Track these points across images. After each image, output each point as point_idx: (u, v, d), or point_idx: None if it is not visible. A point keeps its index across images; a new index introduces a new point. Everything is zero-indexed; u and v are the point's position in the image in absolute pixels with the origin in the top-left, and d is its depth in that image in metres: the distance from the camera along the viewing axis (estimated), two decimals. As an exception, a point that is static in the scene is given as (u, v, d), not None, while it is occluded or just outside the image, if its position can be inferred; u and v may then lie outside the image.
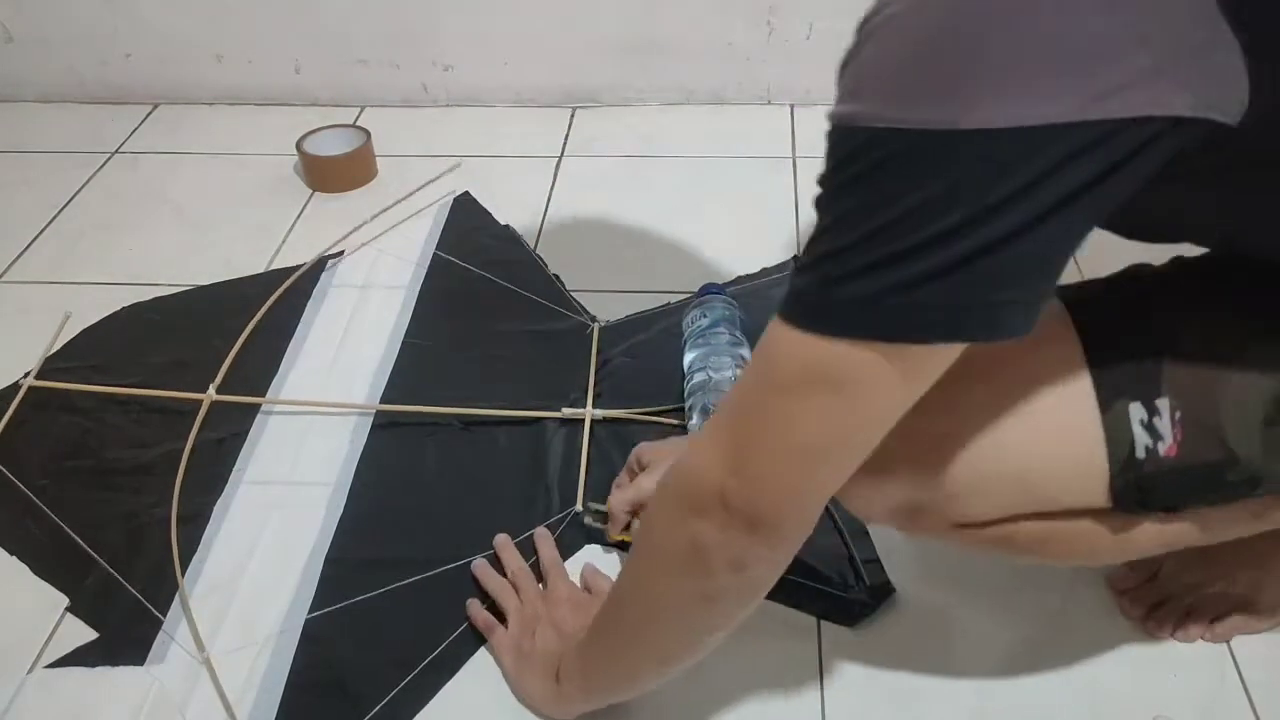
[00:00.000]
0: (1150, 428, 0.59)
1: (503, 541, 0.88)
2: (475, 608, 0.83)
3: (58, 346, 1.11)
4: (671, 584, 0.61)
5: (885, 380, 0.49)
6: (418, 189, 1.29)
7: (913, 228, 0.45)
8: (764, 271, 1.18)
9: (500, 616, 0.82)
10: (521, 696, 0.77)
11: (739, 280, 1.16)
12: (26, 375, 1.07)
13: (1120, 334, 0.59)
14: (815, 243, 0.49)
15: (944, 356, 0.50)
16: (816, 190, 0.49)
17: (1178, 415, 0.58)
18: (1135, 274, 0.63)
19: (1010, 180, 0.44)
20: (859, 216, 0.47)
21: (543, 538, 0.88)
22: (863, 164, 0.46)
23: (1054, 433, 0.60)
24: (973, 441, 0.60)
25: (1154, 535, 0.64)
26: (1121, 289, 0.62)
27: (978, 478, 0.58)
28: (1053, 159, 0.43)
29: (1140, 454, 0.59)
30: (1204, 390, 0.58)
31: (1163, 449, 0.59)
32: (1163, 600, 0.82)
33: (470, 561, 0.87)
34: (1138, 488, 0.60)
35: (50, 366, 1.08)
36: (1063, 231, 0.46)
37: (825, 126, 0.48)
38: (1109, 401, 0.59)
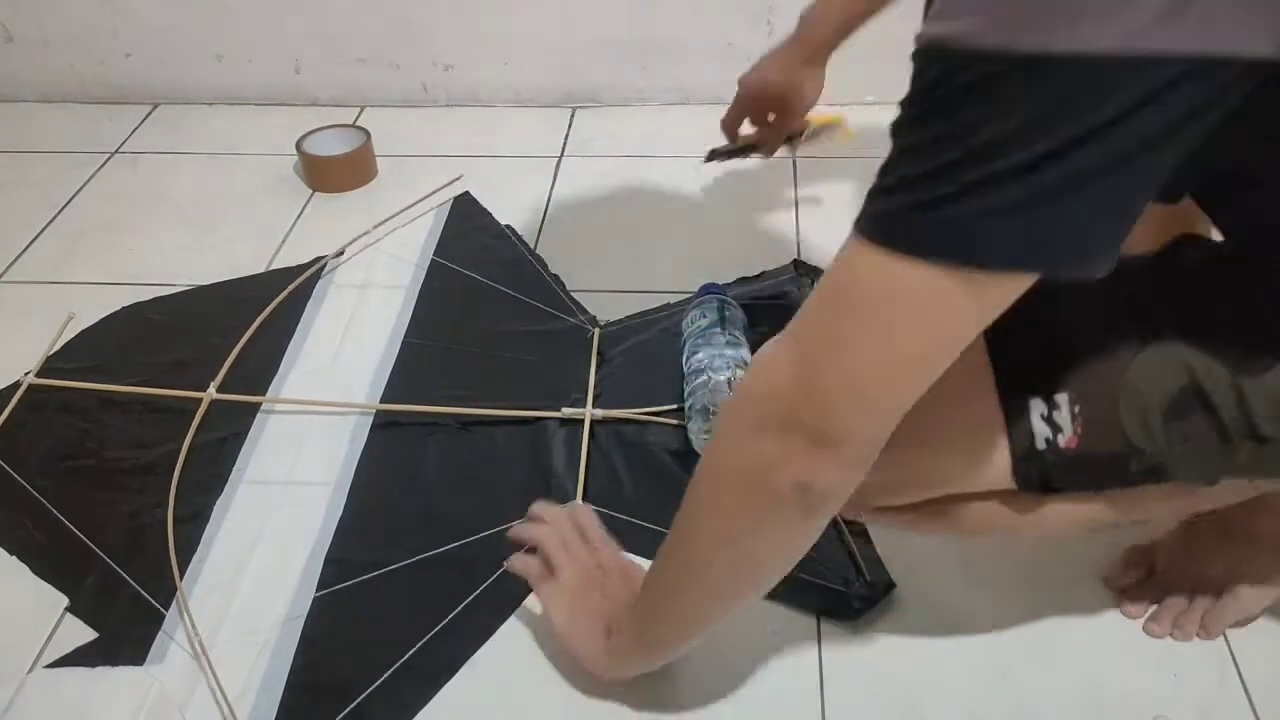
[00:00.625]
0: (1050, 421, 0.63)
1: (542, 506, 0.84)
2: (520, 558, 0.81)
3: (59, 346, 1.10)
4: (736, 508, 0.61)
5: (965, 307, 0.51)
6: (418, 201, 1.28)
7: (1005, 153, 0.45)
8: (763, 275, 1.18)
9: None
10: (572, 650, 0.77)
11: (740, 281, 1.16)
12: (27, 374, 1.06)
13: (1023, 332, 0.61)
14: (897, 165, 0.49)
15: (1021, 286, 0.51)
16: (899, 114, 0.49)
17: (1077, 409, 0.62)
18: None
19: (1103, 109, 0.44)
20: (948, 141, 0.47)
21: (584, 509, 0.85)
22: (952, 87, 0.46)
23: (959, 427, 0.64)
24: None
25: (1068, 514, 0.68)
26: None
27: (889, 471, 0.60)
28: (1147, 90, 0.43)
29: (1040, 445, 0.63)
30: (1103, 386, 0.62)
31: (1063, 441, 0.63)
32: (1162, 596, 0.82)
33: (454, 549, 0.87)
34: (1040, 476, 0.64)
35: (50, 366, 1.08)
36: (1152, 166, 0.47)
37: (913, 48, 0.48)
38: (1010, 396, 0.63)
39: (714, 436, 0.63)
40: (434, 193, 1.29)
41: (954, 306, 0.51)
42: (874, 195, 0.51)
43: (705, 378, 0.96)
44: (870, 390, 0.55)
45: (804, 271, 1.17)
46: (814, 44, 0.99)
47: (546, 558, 0.79)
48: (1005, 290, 0.51)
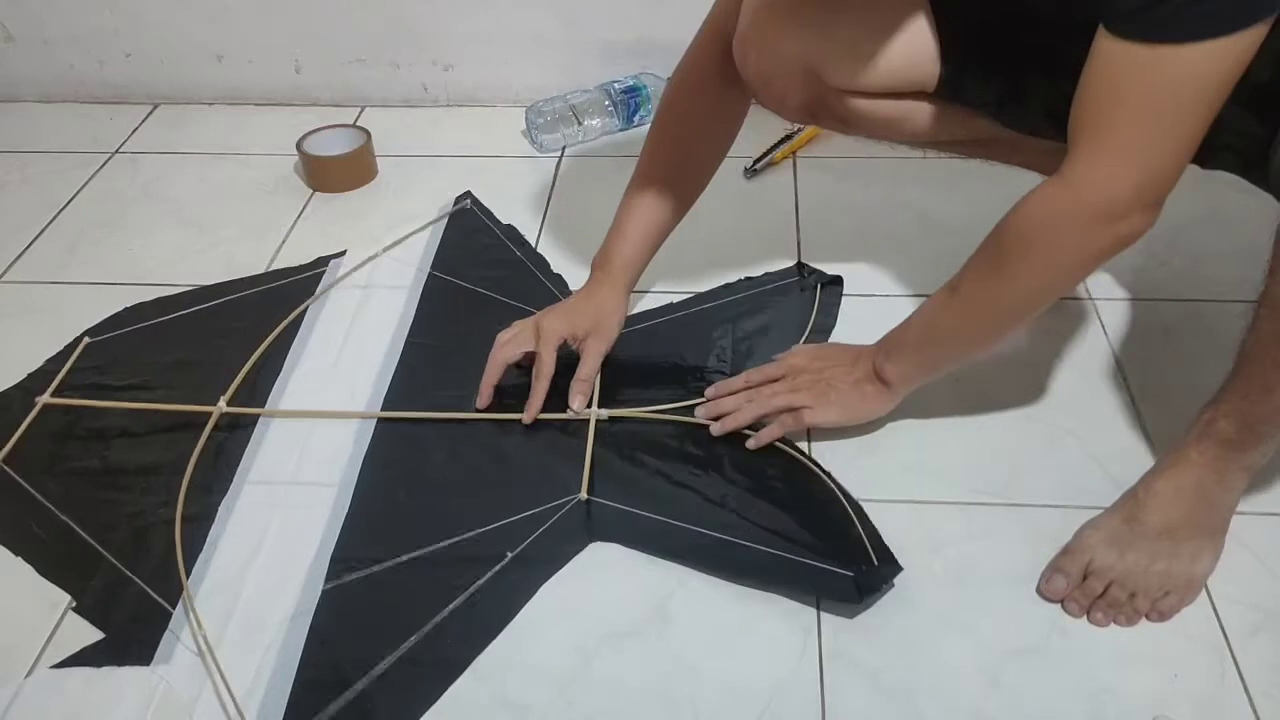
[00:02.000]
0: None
1: (714, 391, 0.99)
2: (765, 432, 0.94)
3: (72, 357, 1.09)
4: (1076, 271, 0.82)
5: (1244, 56, 0.67)
6: (426, 225, 1.28)
7: None
8: (766, 276, 1.18)
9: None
10: (861, 417, 0.94)
11: (744, 282, 1.17)
12: (39, 388, 1.05)
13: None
14: None
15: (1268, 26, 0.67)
16: None
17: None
18: None
19: None
20: None
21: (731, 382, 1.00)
22: None
23: (904, 37, 0.88)
24: (845, 43, 0.88)
25: (962, 119, 0.93)
26: None
27: (847, 68, 0.88)
28: None
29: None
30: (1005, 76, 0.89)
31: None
32: (1103, 593, 0.82)
33: (461, 545, 0.88)
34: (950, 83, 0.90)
35: (50, 368, 1.08)
36: None
37: None
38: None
39: (1046, 239, 0.78)
40: (441, 217, 1.29)
41: (1240, 61, 0.67)
42: (1158, 11, 0.65)
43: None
44: (1193, 145, 0.72)
45: (808, 273, 1.17)
46: (612, 282, 1.02)
47: (784, 408, 0.94)
48: (1263, 31, 0.66)
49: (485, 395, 1.00)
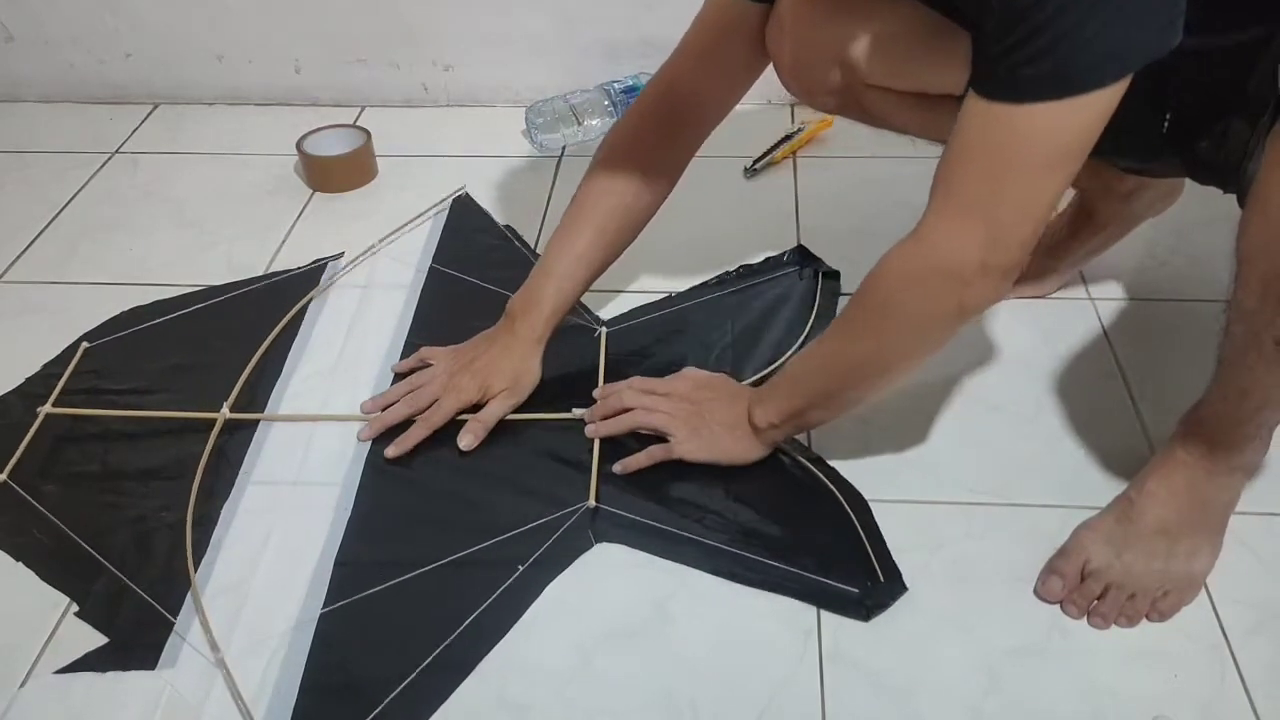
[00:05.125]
0: None
1: (601, 393, 0.99)
2: (633, 460, 0.93)
3: (71, 364, 1.08)
4: (924, 338, 0.80)
5: (1104, 114, 0.66)
6: (419, 215, 1.28)
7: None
8: (767, 262, 1.17)
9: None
10: (727, 458, 0.92)
11: (743, 272, 1.17)
12: (37, 394, 1.04)
13: None
14: (1035, 34, 0.62)
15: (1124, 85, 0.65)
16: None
17: None
18: None
19: None
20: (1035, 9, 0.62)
21: (620, 386, 0.98)
22: None
23: (937, 40, 0.84)
24: (879, 41, 0.87)
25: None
26: None
27: (880, 64, 0.87)
28: None
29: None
30: None
31: None
32: (1103, 593, 0.82)
33: (466, 551, 0.88)
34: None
35: (48, 373, 1.07)
36: None
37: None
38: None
39: (892, 301, 0.78)
40: (438, 204, 1.29)
41: (1084, 128, 0.66)
42: (1005, 68, 0.65)
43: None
44: (1040, 216, 0.71)
45: (807, 261, 1.17)
46: (532, 335, 0.99)
47: (657, 429, 0.94)
48: (1106, 99, 0.65)
49: (374, 431, 0.98)
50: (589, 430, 0.96)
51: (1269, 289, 0.70)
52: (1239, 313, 0.73)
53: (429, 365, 1.03)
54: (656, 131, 0.98)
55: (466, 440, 0.96)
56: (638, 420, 0.95)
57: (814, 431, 0.97)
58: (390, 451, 0.96)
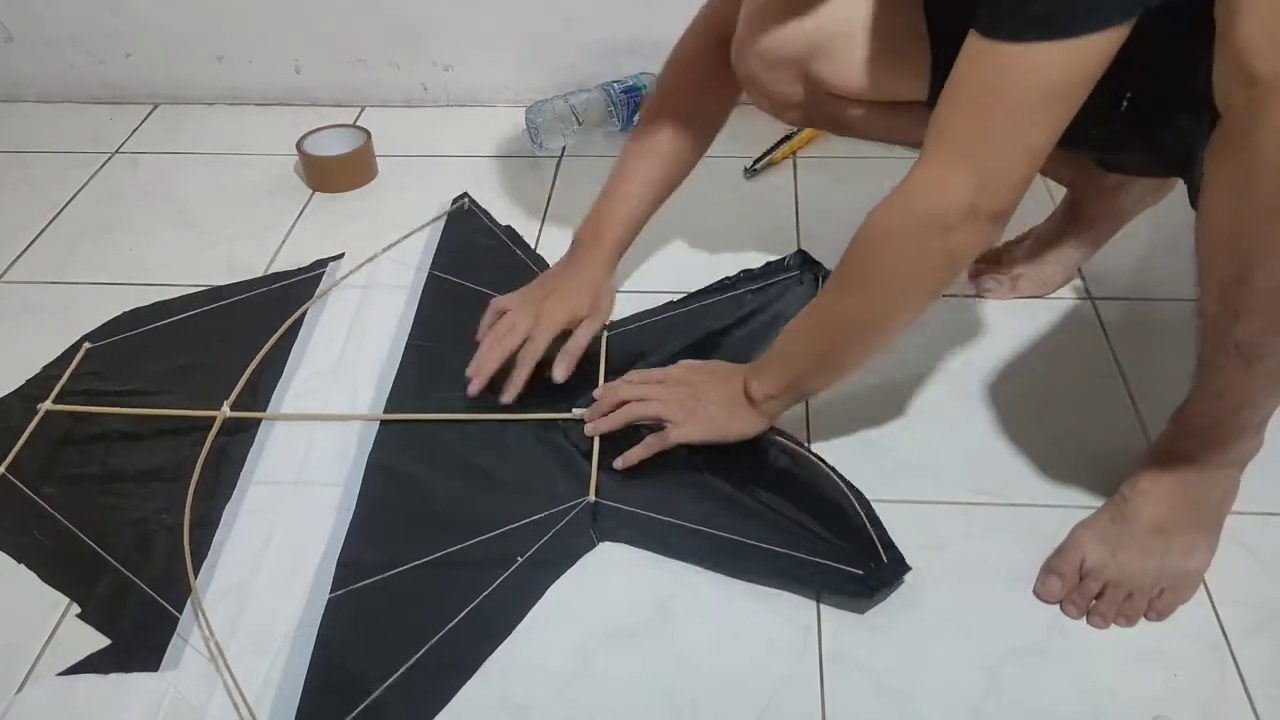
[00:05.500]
0: None
1: (600, 393, 0.98)
2: (632, 453, 0.93)
3: (72, 364, 1.08)
4: (914, 290, 0.78)
5: (1102, 59, 0.65)
6: (419, 228, 1.28)
7: None
8: (769, 266, 1.17)
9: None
10: (726, 435, 0.92)
11: (745, 276, 1.17)
12: (38, 395, 1.04)
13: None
14: None
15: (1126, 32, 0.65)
16: None
17: None
18: None
19: None
20: None
21: (615, 385, 0.98)
22: None
23: (898, 46, 0.87)
24: (840, 51, 0.89)
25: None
26: None
27: (840, 74, 0.89)
28: None
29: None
30: None
31: None
32: (1100, 592, 0.82)
33: (467, 549, 0.88)
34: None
35: (49, 374, 1.07)
36: None
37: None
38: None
39: (883, 252, 0.77)
40: (439, 217, 1.29)
41: (1082, 71, 0.65)
42: (1000, 7, 0.64)
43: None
44: (1031, 161, 0.69)
45: (807, 260, 1.17)
46: (604, 258, 1.03)
47: (653, 418, 0.93)
48: (1108, 40, 0.64)
49: (479, 384, 1.00)
50: (588, 429, 0.97)
51: (1225, 295, 0.71)
52: (1204, 317, 0.75)
53: (507, 314, 1.03)
54: (706, 58, 1.00)
55: (560, 371, 0.99)
56: (634, 412, 0.95)
57: (814, 432, 0.97)
58: (505, 397, 0.98)
